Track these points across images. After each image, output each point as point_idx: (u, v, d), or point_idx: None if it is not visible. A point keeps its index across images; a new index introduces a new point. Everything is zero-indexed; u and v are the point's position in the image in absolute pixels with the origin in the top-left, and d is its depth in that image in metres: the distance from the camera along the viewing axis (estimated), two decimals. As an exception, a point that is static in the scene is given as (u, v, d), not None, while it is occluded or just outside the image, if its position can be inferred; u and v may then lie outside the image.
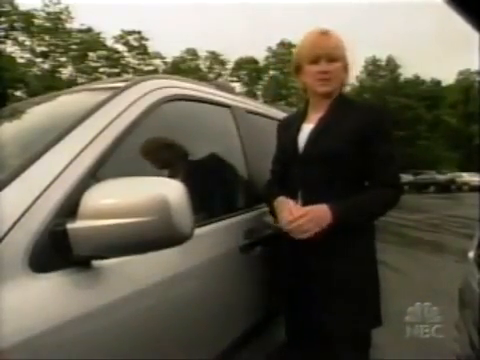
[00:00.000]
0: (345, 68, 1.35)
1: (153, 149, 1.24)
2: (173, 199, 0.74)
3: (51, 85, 22.42)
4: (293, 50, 1.42)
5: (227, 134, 1.64)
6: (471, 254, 1.90)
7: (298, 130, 1.36)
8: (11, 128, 1.34)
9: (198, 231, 1.16)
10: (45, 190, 0.78)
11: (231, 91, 1.86)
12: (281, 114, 2.13)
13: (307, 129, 1.33)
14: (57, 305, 0.72)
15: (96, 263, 0.81)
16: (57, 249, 0.75)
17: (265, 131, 1.80)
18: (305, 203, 1.27)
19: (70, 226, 0.74)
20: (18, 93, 24.90)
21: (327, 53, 1.28)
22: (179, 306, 1.00)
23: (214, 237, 1.23)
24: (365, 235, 1.31)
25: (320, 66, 1.29)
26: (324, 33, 1.31)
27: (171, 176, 1.26)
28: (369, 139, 1.25)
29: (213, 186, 1.51)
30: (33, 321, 0.67)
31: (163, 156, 1.31)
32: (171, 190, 0.76)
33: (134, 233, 0.73)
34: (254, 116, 1.87)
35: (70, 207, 0.78)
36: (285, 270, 1.37)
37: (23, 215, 0.73)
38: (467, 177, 27.14)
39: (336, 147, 1.25)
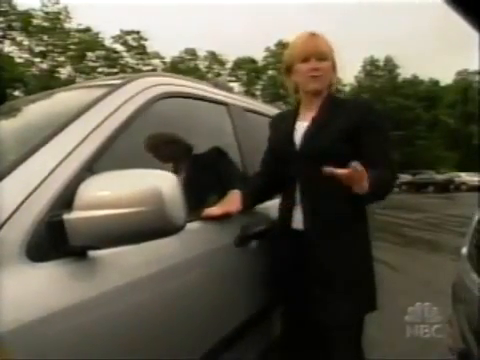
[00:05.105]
0: (333, 68, 1.40)
1: (151, 145, 1.27)
2: (166, 191, 0.77)
3: (49, 85, 22.37)
4: (285, 51, 1.47)
5: (223, 131, 1.66)
6: (464, 250, 1.92)
7: (293, 128, 1.40)
8: (9, 124, 1.36)
9: (194, 225, 1.19)
10: (42, 182, 0.80)
11: (229, 90, 1.89)
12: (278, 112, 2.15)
13: (302, 127, 1.38)
14: (53, 294, 0.73)
15: (92, 254, 0.82)
16: (54, 239, 0.76)
17: (262, 129, 1.81)
18: (302, 197, 1.33)
19: (66, 217, 0.76)
20: (16, 93, 24.88)
21: (317, 52, 1.34)
22: (173, 298, 1.01)
23: (209, 231, 1.24)
24: (359, 224, 1.36)
25: (311, 64, 1.34)
26: (313, 34, 1.38)
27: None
28: (360, 133, 1.29)
29: (209, 182, 1.53)
30: (28, 309, 0.68)
31: (161, 152, 1.33)
32: (164, 182, 0.78)
33: (128, 223, 0.75)
34: (251, 114, 1.89)
35: (66, 199, 0.80)
36: (282, 263, 1.40)
37: (20, 206, 0.75)
38: (465, 177, 27.22)
39: (331, 145, 1.29)
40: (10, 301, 0.67)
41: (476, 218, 1.97)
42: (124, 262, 0.89)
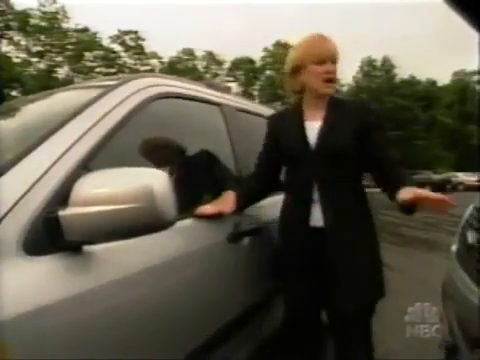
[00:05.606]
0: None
1: (144, 150, 1.29)
2: (157, 188, 0.80)
3: (47, 85, 22.32)
4: (291, 50, 1.46)
5: (216, 132, 1.69)
6: (453, 248, 1.96)
7: (302, 128, 1.41)
8: (7, 124, 1.38)
9: (187, 222, 1.22)
10: (39, 180, 0.84)
11: (226, 91, 1.92)
12: (272, 112, 2.17)
13: (313, 127, 1.40)
14: (49, 287, 0.76)
15: (87, 249, 0.85)
16: (50, 234, 0.80)
17: (255, 129, 1.84)
18: (321, 194, 1.36)
19: (62, 213, 0.79)
20: (14, 93, 24.84)
21: (332, 55, 1.38)
22: (167, 293, 1.04)
23: (202, 228, 1.28)
24: (369, 215, 1.45)
25: (326, 66, 1.36)
26: (326, 37, 1.40)
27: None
28: (363, 133, 1.35)
29: (202, 182, 1.56)
30: (25, 301, 0.71)
31: (154, 156, 1.35)
32: (156, 180, 0.82)
33: (121, 219, 0.79)
34: (244, 114, 1.92)
35: (62, 196, 0.83)
36: (297, 261, 1.42)
37: (18, 202, 0.78)
38: (463, 177, 27.31)
39: (346, 144, 1.34)
40: (7, 294, 0.69)
41: (464, 217, 2.01)
42: (118, 257, 0.92)
